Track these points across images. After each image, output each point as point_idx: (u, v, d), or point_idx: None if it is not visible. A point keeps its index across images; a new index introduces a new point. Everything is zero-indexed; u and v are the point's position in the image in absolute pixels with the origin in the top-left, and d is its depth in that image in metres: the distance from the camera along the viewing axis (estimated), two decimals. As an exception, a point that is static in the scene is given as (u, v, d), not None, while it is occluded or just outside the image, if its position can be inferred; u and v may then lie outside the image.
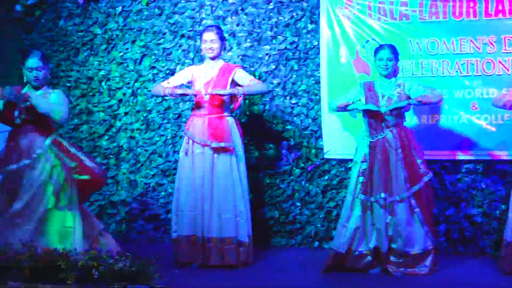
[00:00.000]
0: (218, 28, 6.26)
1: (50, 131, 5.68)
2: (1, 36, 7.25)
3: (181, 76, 6.26)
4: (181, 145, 6.25)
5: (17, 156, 5.52)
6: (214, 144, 5.95)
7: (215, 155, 5.98)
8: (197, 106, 6.11)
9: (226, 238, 5.96)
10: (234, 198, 6.00)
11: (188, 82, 6.23)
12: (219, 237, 5.96)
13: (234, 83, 6.06)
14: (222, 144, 5.96)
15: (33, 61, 5.59)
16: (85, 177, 5.66)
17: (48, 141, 5.60)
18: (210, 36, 6.04)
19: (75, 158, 5.68)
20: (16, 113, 5.54)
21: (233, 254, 5.96)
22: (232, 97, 6.09)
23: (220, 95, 5.94)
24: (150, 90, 6.73)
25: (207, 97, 6.01)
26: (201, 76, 6.13)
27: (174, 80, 6.22)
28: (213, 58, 6.11)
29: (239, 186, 6.03)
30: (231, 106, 6.18)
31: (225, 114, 6.08)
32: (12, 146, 5.59)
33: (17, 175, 5.51)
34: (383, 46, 5.89)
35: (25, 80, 5.65)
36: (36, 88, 5.63)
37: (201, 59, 6.91)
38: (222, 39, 6.14)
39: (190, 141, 6.06)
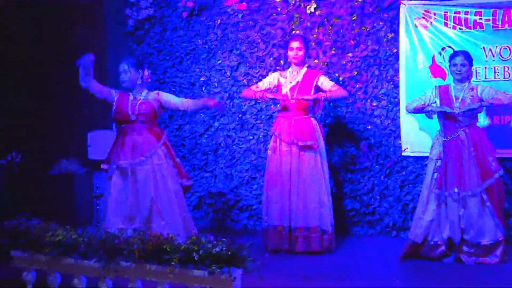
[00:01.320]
0: (303, 37, 6.27)
1: (161, 131, 5.76)
2: (116, 47, 7.44)
3: (268, 81, 6.29)
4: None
5: (130, 152, 5.56)
6: (300, 143, 5.97)
7: (301, 152, 6.00)
8: (284, 108, 6.13)
9: (312, 227, 5.98)
10: (318, 191, 6.00)
11: (274, 87, 6.26)
12: (305, 226, 5.98)
13: (317, 88, 6.06)
14: (308, 143, 5.98)
15: (121, 66, 5.68)
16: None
17: (161, 142, 5.69)
18: (296, 44, 6.06)
19: (176, 164, 5.78)
20: (130, 110, 5.62)
21: (318, 241, 5.98)
22: (315, 100, 6.08)
23: (305, 100, 5.96)
24: (240, 95, 6.75)
25: (293, 101, 6.03)
26: (286, 81, 6.15)
27: (262, 85, 6.27)
28: (298, 64, 6.13)
29: (322, 180, 6.03)
30: (314, 109, 6.17)
31: (309, 115, 6.09)
32: (125, 142, 5.63)
33: (130, 170, 5.57)
34: (457, 53, 5.80)
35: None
36: (128, 90, 5.72)
37: (290, 66, 6.94)
38: (306, 47, 6.16)
39: (278, 140, 6.10)
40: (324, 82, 6.07)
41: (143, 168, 5.52)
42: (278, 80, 6.22)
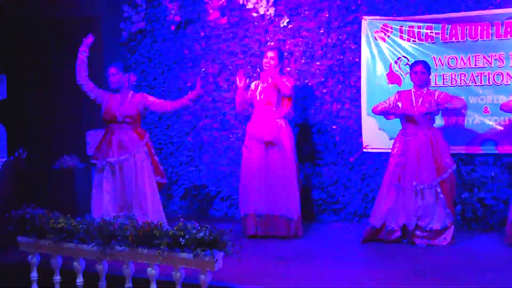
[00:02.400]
0: (279, 50, 6.21)
1: (144, 132, 5.75)
2: (111, 56, 7.40)
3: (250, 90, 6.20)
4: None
5: (117, 149, 5.55)
6: (268, 140, 5.95)
7: (269, 148, 5.97)
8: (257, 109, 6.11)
9: (279, 215, 5.97)
10: (285, 183, 5.96)
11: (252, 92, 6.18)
12: (274, 215, 5.97)
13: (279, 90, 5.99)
14: (274, 140, 5.94)
15: (110, 69, 5.67)
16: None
17: (144, 141, 5.67)
18: (271, 54, 6.02)
19: (155, 162, 5.77)
20: (117, 111, 5.58)
21: (285, 228, 5.96)
22: (282, 103, 6.06)
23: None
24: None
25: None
26: (258, 86, 6.12)
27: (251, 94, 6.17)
28: (267, 71, 6.05)
29: (289, 174, 5.97)
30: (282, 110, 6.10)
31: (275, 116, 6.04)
32: (112, 140, 5.61)
33: (118, 166, 5.56)
34: (418, 62, 5.83)
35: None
36: (115, 91, 5.68)
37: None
38: (280, 59, 6.09)
39: (250, 137, 6.07)
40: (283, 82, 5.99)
41: (128, 163, 5.53)
42: (255, 85, 6.18)
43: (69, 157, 6.98)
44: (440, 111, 5.84)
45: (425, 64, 5.78)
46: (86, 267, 4.26)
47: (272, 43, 6.97)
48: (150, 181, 5.64)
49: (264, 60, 6.06)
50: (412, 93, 5.79)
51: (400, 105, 5.77)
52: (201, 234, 3.81)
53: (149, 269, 3.97)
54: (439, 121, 6.20)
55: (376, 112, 5.96)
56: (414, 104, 5.72)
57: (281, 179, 5.96)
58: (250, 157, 6.03)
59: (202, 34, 7.38)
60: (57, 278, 4.33)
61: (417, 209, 5.62)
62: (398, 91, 5.96)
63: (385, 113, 5.89)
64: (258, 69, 6.98)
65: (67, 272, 4.31)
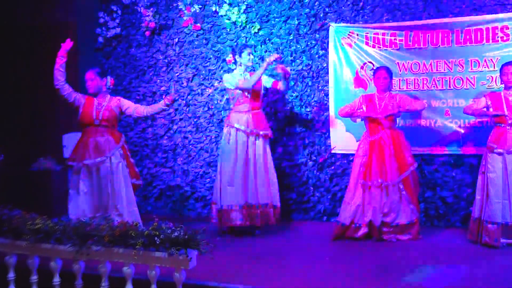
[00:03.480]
0: (234, 51, 6.19)
1: (120, 135, 5.69)
2: (87, 61, 7.31)
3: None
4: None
5: (93, 152, 5.47)
6: (261, 132, 6.04)
7: (256, 140, 6.05)
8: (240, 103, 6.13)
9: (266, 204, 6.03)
10: (269, 173, 6.08)
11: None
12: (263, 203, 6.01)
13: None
14: (263, 132, 6.03)
15: (88, 74, 5.59)
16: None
17: (120, 144, 5.61)
18: (229, 57, 6.20)
19: (130, 163, 5.71)
20: (94, 114, 5.53)
21: (272, 215, 6.02)
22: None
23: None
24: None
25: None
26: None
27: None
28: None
29: (272, 164, 6.13)
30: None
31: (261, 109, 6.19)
32: (89, 142, 5.52)
33: (95, 168, 5.49)
34: (381, 68, 5.91)
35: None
36: (93, 95, 5.61)
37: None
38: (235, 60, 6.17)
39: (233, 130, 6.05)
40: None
41: (104, 166, 5.46)
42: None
43: (45, 159, 6.88)
44: (402, 113, 5.89)
45: (387, 70, 5.86)
46: (63, 266, 4.18)
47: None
48: (125, 183, 5.57)
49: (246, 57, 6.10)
50: (376, 96, 5.86)
51: (364, 108, 5.82)
52: (176, 234, 3.77)
53: (125, 268, 3.91)
54: (402, 123, 6.27)
55: (342, 114, 6.00)
56: (378, 107, 5.78)
57: (267, 170, 6.05)
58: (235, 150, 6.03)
59: (176, 40, 7.34)
60: (34, 278, 4.24)
61: (382, 206, 5.67)
62: (362, 95, 6.01)
63: (350, 115, 5.94)
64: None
65: (44, 272, 4.22)
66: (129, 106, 5.69)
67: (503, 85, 5.53)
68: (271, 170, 6.09)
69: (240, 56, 6.06)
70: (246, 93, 6.04)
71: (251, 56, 6.10)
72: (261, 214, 5.97)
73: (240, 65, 6.07)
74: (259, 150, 6.02)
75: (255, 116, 6.05)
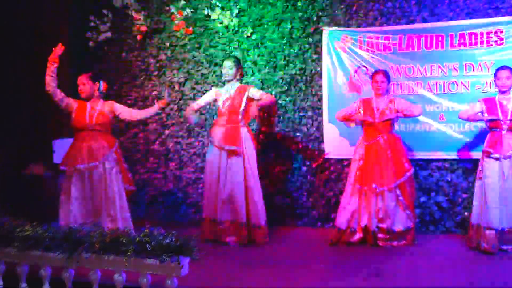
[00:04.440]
0: (235, 58, 6.17)
1: (113, 139, 5.66)
2: (78, 65, 7.30)
3: (206, 96, 6.18)
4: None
5: (87, 157, 5.45)
6: (226, 147, 5.84)
7: (228, 156, 5.86)
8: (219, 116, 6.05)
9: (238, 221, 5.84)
10: (245, 190, 5.83)
11: (214, 100, 6.16)
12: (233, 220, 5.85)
13: (249, 99, 5.95)
14: (233, 148, 5.83)
15: (80, 78, 5.59)
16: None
17: (113, 149, 5.58)
18: (227, 63, 6.00)
19: (123, 169, 5.69)
20: (88, 119, 5.50)
21: (244, 234, 5.82)
22: (245, 112, 5.98)
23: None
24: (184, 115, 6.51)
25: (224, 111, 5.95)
26: (222, 96, 6.03)
27: (201, 100, 6.17)
28: (229, 81, 6.03)
29: (251, 182, 5.85)
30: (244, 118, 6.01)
31: (239, 124, 5.94)
32: (82, 147, 5.51)
33: (87, 173, 5.46)
34: (378, 71, 5.90)
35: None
36: (85, 99, 5.59)
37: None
38: (237, 66, 6.04)
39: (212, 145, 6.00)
40: (255, 92, 5.97)
41: (97, 171, 5.44)
42: (216, 94, 6.12)
43: (36, 165, 6.85)
44: (399, 118, 5.89)
45: (385, 73, 5.86)
46: (53, 274, 4.15)
47: (236, 53, 6.95)
48: (118, 189, 5.56)
49: (223, 71, 6.03)
50: (373, 100, 5.85)
51: (361, 112, 5.82)
52: (167, 240, 3.76)
53: (115, 276, 3.90)
54: (396, 127, 6.28)
55: (339, 118, 6.01)
56: (375, 111, 5.77)
57: (242, 186, 5.81)
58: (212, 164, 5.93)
59: (168, 43, 7.33)
60: (23, 286, 4.22)
61: (378, 211, 5.66)
62: (360, 99, 6.02)
63: (347, 120, 5.93)
64: (222, 78, 7.01)
65: (34, 280, 4.20)
66: (123, 111, 5.71)
67: (497, 90, 5.54)
68: (253, 189, 5.85)
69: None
70: (221, 107, 5.98)
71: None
72: (229, 231, 5.82)
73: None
74: (234, 167, 5.82)
75: (228, 130, 5.89)
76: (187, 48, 7.25)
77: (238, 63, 6.07)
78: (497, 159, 5.38)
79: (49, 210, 6.53)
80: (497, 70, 5.53)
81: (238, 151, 5.83)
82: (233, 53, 6.98)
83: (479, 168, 5.54)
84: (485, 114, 5.51)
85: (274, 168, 6.88)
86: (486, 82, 6.09)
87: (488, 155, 5.43)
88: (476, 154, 6.02)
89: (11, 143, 7.25)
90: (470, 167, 6.17)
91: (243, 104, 5.92)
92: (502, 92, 5.49)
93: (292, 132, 6.88)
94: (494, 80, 5.56)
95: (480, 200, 5.47)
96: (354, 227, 5.77)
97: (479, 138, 5.98)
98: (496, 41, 6.07)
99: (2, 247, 4.21)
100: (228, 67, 5.98)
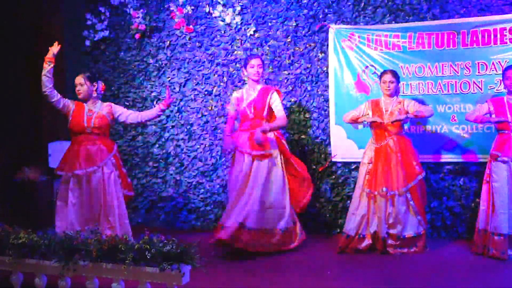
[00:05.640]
0: (260, 57, 6.14)
1: (112, 143, 5.65)
2: (74, 65, 7.30)
3: (232, 105, 6.11)
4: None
5: (85, 161, 5.42)
6: (254, 152, 5.80)
7: (257, 160, 5.82)
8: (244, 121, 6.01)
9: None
10: (276, 194, 5.83)
11: (237, 106, 6.06)
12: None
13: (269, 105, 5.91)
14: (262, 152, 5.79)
15: (77, 79, 5.57)
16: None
17: (112, 153, 5.57)
18: (257, 61, 5.91)
19: (122, 174, 5.68)
20: (85, 122, 5.50)
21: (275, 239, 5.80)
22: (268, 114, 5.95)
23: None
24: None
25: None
26: (244, 98, 5.98)
27: (232, 109, 6.12)
28: (257, 81, 5.97)
29: (280, 185, 5.86)
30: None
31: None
32: (80, 151, 5.48)
33: (85, 178, 5.45)
34: (387, 71, 5.88)
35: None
36: (83, 101, 5.59)
37: (233, 83, 6.94)
38: (264, 66, 6.03)
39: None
40: (275, 100, 5.89)
41: (95, 176, 5.42)
42: (237, 99, 6.05)
43: (30, 169, 6.84)
44: (409, 119, 5.87)
45: (394, 73, 5.84)
46: (48, 283, 4.15)
47: (239, 53, 6.95)
48: (117, 194, 5.53)
49: (251, 70, 5.92)
50: (382, 101, 5.84)
51: (370, 113, 5.80)
52: (168, 248, 3.76)
53: (114, 284, 3.89)
54: (405, 128, 6.25)
55: (347, 120, 5.99)
56: (384, 112, 5.76)
57: (272, 191, 5.82)
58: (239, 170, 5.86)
59: (168, 42, 7.32)
60: (18, 295, 4.22)
61: (388, 216, 5.65)
62: (369, 100, 6.01)
63: (355, 121, 5.92)
64: (224, 78, 7.00)
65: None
66: (122, 113, 5.66)
67: (506, 90, 5.53)
68: (280, 191, 5.83)
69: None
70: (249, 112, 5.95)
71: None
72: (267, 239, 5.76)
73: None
74: (261, 172, 5.78)
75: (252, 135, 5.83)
76: (187, 47, 7.25)
77: (263, 62, 6.05)
78: (505, 162, 5.37)
79: (44, 216, 6.54)
80: (506, 69, 5.51)
81: (267, 155, 5.80)
82: (236, 52, 6.97)
83: (487, 171, 5.54)
84: (493, 116, 5.49)
85: (278, 172, 6.86)
86: (500, 82, 6.07)
87: (495, 158, 5.42)
88: (484, 157, 6.00)
89: (3, 145, 7.24)
90: (483, 170, 6.14)
91: (266, 108, 5.89)
92: (510, 92, 5.47)
93: (297, 134, 6.86)
94: (503, 80, 5.54)
95: (487, 205, 5.45)
96: (363, 233, 5.75)
97: (492, 140, 5.95)
98: (510, 38, 6.05)
99: (-4, 255, 4.21)
100: (258, 65, 5.91)
